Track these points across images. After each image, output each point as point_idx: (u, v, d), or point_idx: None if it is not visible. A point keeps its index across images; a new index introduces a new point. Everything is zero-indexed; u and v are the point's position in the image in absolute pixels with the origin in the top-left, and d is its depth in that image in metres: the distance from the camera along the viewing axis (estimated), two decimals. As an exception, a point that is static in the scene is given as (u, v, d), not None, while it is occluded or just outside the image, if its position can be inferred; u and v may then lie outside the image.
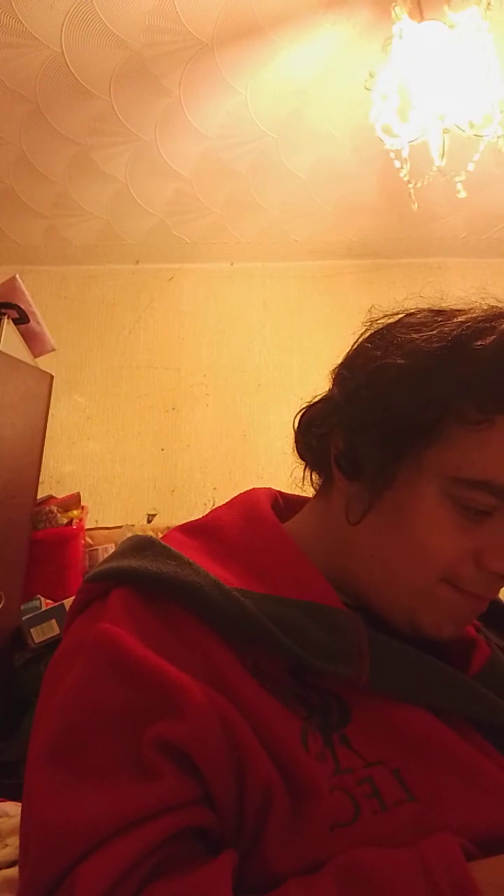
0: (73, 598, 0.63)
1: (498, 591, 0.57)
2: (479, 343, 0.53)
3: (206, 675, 0.47)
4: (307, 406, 0.64)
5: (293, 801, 0.44)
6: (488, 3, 1.46)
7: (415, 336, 0.56)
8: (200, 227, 2.48)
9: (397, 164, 1.64)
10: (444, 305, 0.59)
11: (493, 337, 0.53)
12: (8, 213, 2.36)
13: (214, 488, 2.40)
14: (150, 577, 0.52)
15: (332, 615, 0.52)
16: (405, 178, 1.66)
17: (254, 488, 0.68)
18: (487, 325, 0.54)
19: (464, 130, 1.50)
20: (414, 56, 1.48)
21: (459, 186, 1.63)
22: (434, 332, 0.56)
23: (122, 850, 0.40)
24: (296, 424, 0.64)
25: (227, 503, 0.66)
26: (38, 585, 1.80)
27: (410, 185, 1.68)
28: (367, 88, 1.61)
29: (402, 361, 0.55)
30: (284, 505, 0.69)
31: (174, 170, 2.17)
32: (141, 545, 0.57)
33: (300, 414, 0.64)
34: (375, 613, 0.57)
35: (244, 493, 0.67)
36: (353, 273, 2.69)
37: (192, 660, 0.48)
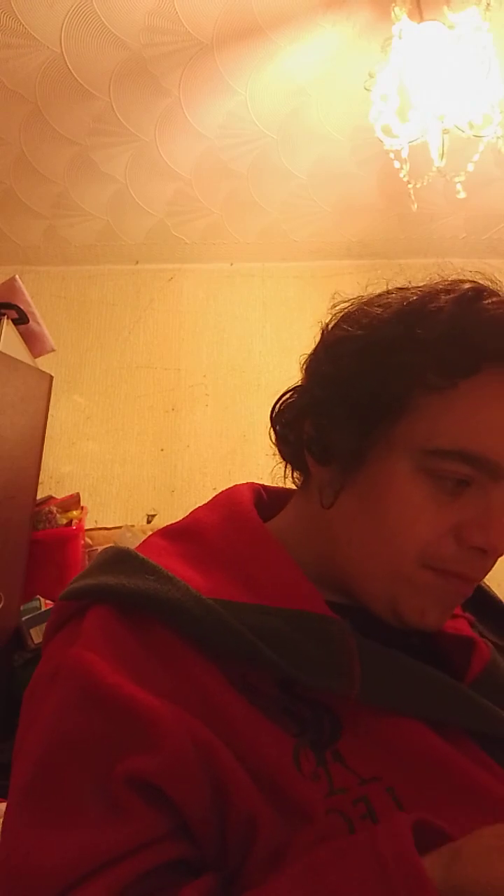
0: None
1: (482, 570, 0.53)
2: (434, 305, 0.51)
3: (187, 697, 0.45)
4: (279, 398, 0.62)
5: (285, 824, 0.42)
6: (487, 4, 1.46)
7: (375, 309, 0.55)
8: (200, 227, 2.48)
9: (397, 164, 1.64)
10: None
11: (451, 297, 0.51)
12: (8, 213, 2.35)
13: (214, 489, 2.38)
14: (128, 594, 0.49)
15: (320, 624, 0.50)
16: (405, 179, 1.66)
17: (236, 485, 0.65)
18: (444, 288, 0.53)
19: (463, 131, 1.50)
20: (413, 56, 1.48)
21: (459, 187, 1.63)
22: (393, 302, 0.54)
23: (91, 894, 0.39)
24: (271, 417, 0.62)
25: (208, 502, 0.63)
26: (38, 586, 1.80)
27: (410, 186, 1.68)
28: (366, 89, 1.61)
29: (361, 332, 0.54)
30: (269, 500, 0.66)
31: (174, 170, 2.17)
32: (118, 558, 0.54)
33: (273, 406, 0.62)
34: (365, 615, 0.54)
35: (226, 490, 0.64)
36: (353, 273, 2.68)
37: (173, 682, 0.46)
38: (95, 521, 2.26)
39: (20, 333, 1.96)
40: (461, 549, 0.51)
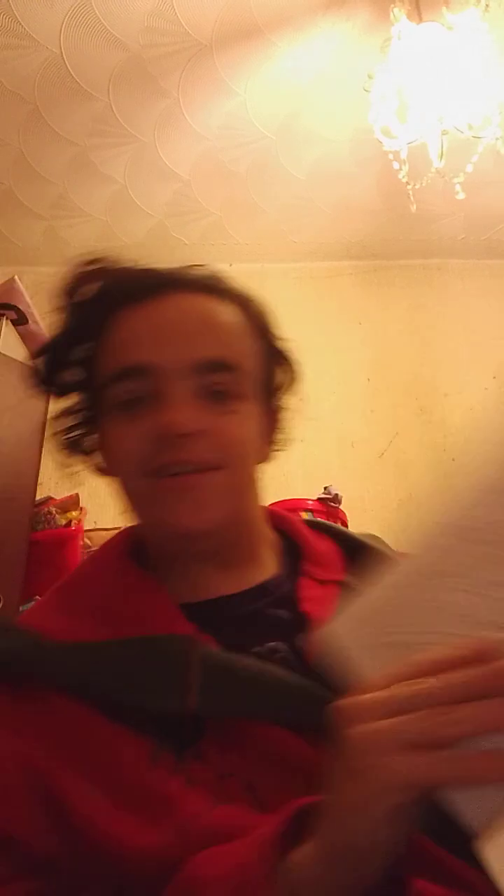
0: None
1: (181, 455, 0.56)
2: (77, 297, 0.64)
3: (40, 733, 0.50)
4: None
5: (150, 823, 0.45)
6: (486, 5, 1.46)
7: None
8: (199, 228, 2.48)
9: (396, 165, 1.65)
10: None
11: (86, 285, 0.65)
12: (7, 214, 2.35)
13: (213, 489, 2.40)
14: None
15: (161, 645, 0.54)
16: (404, 180, 1.66)
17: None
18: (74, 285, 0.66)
19: (462, 132, 1.50)
20: (413, 58, 1.48)
21: (458, 188, 1.63)
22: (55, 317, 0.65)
23: None
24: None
25: (93, 551, 0.69)
26: (37, 586, 1.80)
27: (409, 187, 1.69)
28: (365, 90, 1.62)
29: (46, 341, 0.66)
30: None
31: (173, 171, 2.17)
32: None
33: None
34: (222, 605, 0.59)
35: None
36: (352, 274, 2.68)
37: (31, 721, 0.50)
38: (95, 522, 2.26)
39: (19, 334, 1.96)
40: (156, 445, 0.56)
